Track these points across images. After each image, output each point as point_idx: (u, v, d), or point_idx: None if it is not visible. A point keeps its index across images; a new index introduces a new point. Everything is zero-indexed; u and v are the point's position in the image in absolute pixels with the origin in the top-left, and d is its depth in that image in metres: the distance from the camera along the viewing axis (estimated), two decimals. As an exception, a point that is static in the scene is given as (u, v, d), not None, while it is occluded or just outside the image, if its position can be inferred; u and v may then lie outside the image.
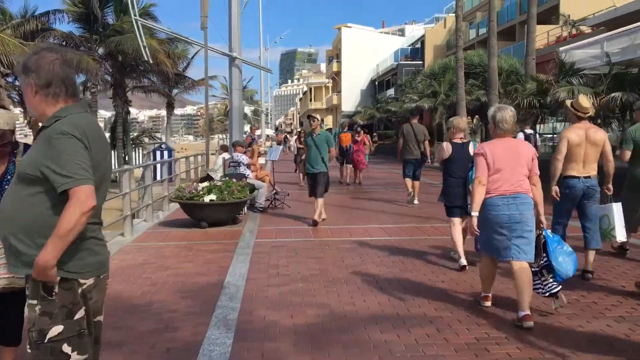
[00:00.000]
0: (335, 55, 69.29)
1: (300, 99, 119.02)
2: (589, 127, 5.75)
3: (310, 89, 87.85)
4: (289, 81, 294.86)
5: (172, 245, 8.05)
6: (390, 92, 49.00)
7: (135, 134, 34.44)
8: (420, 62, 48.48)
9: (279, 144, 36.24)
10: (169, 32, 19.04)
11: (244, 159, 11.39)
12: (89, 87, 24.56)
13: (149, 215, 10.23)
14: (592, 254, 5.87)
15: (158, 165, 15.79)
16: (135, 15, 16.81)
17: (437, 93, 29.06)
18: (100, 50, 25.84)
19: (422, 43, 51.97)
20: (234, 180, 9.95)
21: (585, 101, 5.79)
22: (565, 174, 5.77)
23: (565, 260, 4.57)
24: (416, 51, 54.05)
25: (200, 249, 7.68)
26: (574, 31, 28.60)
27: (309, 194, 9.90)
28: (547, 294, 4.64)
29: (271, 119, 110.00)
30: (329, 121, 78.11)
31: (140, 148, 32.60)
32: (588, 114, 5.74)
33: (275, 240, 8.28)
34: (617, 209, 5.94)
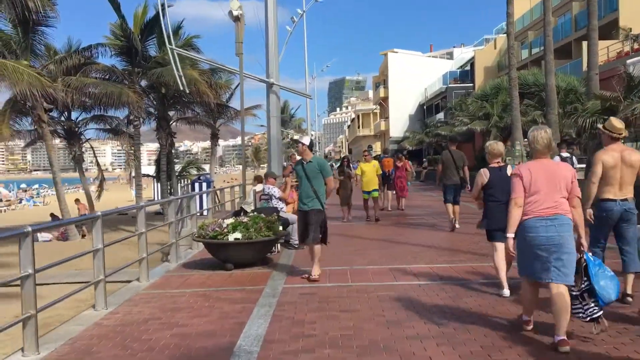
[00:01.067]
0: (382, 81, 68.42)
1: (349, 126, 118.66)
2: (623, 149, 5.68)
3: (358, 116, 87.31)
4: (337, 109, 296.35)
5: (189, 292, 7.06)
6: (440, 116, 47.55)
7: (182, 165, 34.23)
8: (471, 84, 46.91)
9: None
10: (205, 61, 18.55)
11: (276, 191, 10.39)
12: (132, 120, 24.35)
13: (173, 255, 9.33)
14: (631, 277, 5.76)
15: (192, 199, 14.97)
16: (170, 45, 16.30)
17: (490, 115, 27.55)
18: (143, 83, 25.72)
19: (472, 65, 50.42)
20: (263, 215, 8.93)
21: (618, 122, 5.75)
22: (602, 197, 5.68)
23: (607, 285, 4.53)
24: (466, 74, 52.46)
25: (219, 298, 6.65)
26: (636, 45, 26.63)
27: (299, 239, 8.07)
28: (588, 318, 4.56)
29: (320, 147, 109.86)
30: (377, 147, 77.14)
31: (186, 180, 32.35)
32: (622, 135, 5.69)
33: (306, 287, 7.17)
34: None
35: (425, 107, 57.81)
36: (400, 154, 17.37)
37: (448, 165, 12.03)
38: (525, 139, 22.88)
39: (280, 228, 9.82)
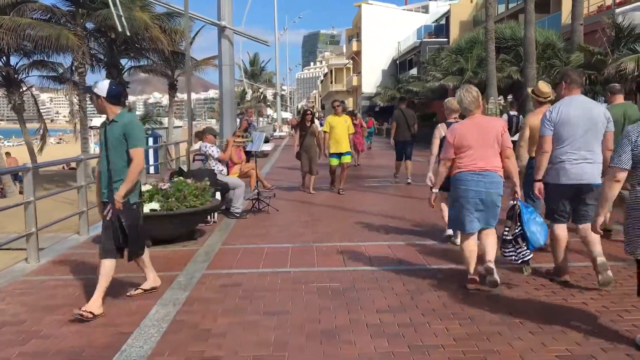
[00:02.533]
0: (355, 34, 66.12)
1: (322, 81, 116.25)
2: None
3: (331, 71, 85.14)
4: (312, 63, 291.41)
5: (79, 281, 5.56)
6: (413, 71, 45.85)
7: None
8: (445, 39, 45.17)
9: (292, 128, 33.53)
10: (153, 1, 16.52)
11: (214, 151, 8.82)
12: (77, 67, 22.17)
13: (83, 227, 7.77)
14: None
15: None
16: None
17: (464, 70, 26.04)
18: (90, 26, 23.42)
19: (447, 19, 48.61)
20: (193, 179, 7.40)
21: (545, 86, 5.79)
22: (532, 155, 5.70)
23: (537, 230, 4.78)
24: (441, 28, 50.65)
25: (114, 292, 5.18)
26: (619, -2, 25.24)
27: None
28: (520, 261, 4.86)
29: (294, 102, 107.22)
30: (350, 104, 75.32)
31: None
32: (549, 99, 5.70)
33: (232, 272, 5.74)
34: None
35: (398, 63, 56.05)
36: (354, 112, 18.56)
37: (400, 123, 12.71)
38: (500, 96, 21.61)
39: (218, 195, 8.37)
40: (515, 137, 6.96)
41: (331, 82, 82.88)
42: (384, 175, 14.50)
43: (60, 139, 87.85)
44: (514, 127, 12.20)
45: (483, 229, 4.88)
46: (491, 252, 4.82)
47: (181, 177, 7.25)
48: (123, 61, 27.10)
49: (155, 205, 6.59)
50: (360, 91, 62.20)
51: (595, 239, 4.70)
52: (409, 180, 12.34)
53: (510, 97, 19.80)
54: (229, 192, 8.79)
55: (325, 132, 11.34)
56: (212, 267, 5.97)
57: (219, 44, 14.93)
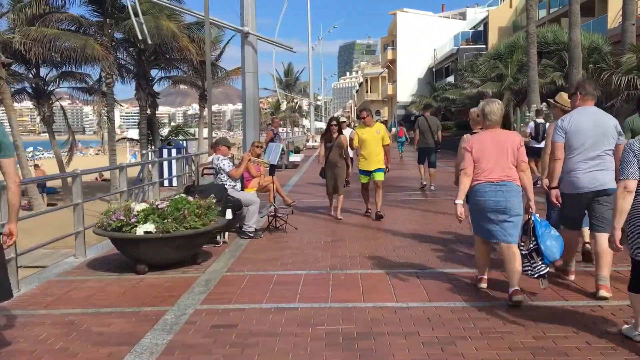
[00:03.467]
0: (390, 43, 65.20)
1: (357, 91, 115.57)
2: None
3: (367, 80, 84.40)
4: (347, 73, 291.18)
5: (50, 320, 4.78)
6: (450, 79, 44.56)
7: (167, 130, 31.85)
8: (484, 45, 43.75)
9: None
10: (165, 3, 15.95)
11: (226, 164, 8.03)
12: (105, 77, 21.90)
13: (80, 248, 7.06)
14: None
15: (151, 167, 12.69)
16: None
17: (504, 76, 24.80)
18: (118, 36, 23.17)
19: (485, 25, 47.20)
20: (196, 197, 6.61)
21: (567, 97, 5.84)
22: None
23: (552, 244, 4.77)
24: (479, 34, 49.18)
25: (88, 331, 4.39)
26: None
27: None
28: (536, 275, 4.82)
29: (329, 112, 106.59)
30: (385, 113, 74.16)
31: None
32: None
33: (230, 308, 4.89)
34: None
35: (434, 71, 54.77)
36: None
37: (424, 131, 12.92)
38: (543, 103, 20.39)
39: (229, 213, 7.57)
40: (542, 145, 7.43)
41: (366, 92, 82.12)
42: (415, 188, 13.50)
43: (99, 150, 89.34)
44: (540, 134, 12.34)
45: (504, 242, 4.85)
46: (516, 275, 4.78)
47: (182, 194, 6.44)
48: (154, 72, 26.90)
49: (150, 226, 5.81)
50: (395, 100, 61.10)
51: (605, 253, 4.75)
52: (433, 188, 12.74)
53: (534, 105, 18.49)
54: (242, 209, 7.97)
55: (354, 147, 9.55)
56: (208, 300, 5.13)
57: (242, 50, 14.21)
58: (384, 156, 9.37)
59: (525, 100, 20.39)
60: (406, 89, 57.10)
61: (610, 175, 4.91)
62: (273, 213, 8.59)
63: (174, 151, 17.63)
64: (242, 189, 9.01)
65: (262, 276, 5.94)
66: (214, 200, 6.64)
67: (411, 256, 6.68)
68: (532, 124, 13.13)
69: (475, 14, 58.45)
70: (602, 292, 4.75)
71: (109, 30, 21.70)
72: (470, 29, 52.90)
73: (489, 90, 24.64)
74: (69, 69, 22.57)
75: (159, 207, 6.02)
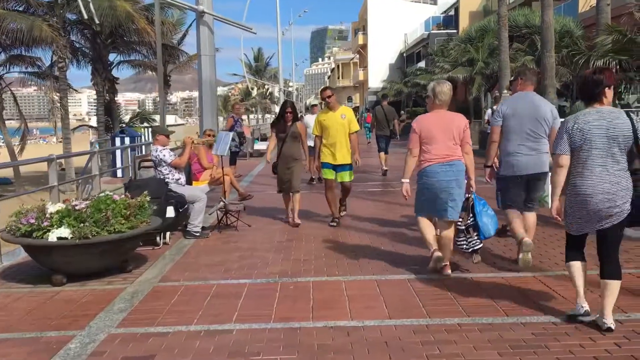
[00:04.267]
0: (361, 27, 64.25)
1: (329, 77, 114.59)
2: None
3: (338, 66, 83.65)
4: (320, 59, 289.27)
5: None
6: (421, 65, 43.91)
7: (128, 117, 30.57)
8: (455, 30, 43.22)
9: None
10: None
11: (167, 154, 7.15)
12: (56, 61, 20.61)
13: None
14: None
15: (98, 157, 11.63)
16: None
17: (475, 61, 24.22)
18: (72, 17, 21.84)
19: (456, 10, 46.65)
20: (129, 194, 5.74)
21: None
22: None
23: (488, 222, 5.17)
24: (450, 19, 48.68)
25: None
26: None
27: None
28: (470, 249, 5.27)
29: (301, 98, 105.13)
30: (357, 99, 73.35)
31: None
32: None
33: (151, 332, 4.07)
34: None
35: (405, 56, 54.15)
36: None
37: (380, 120, 13.63)
38: (503, 90, 19.84)
39: (170, 211, 6.74)
40: None
41: (338, 78, 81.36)
42: (381, 179, 12.81)
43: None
44: None
45: (450, 219, 5.11)
46: (448, 252, 5.20)
47: (108, 192, 5.57)
48: (112, 56, 25.67)
49: (64, 231, 4.94)
50: (367, 86, 60.36)
51: (533, 225, 5.40)
52: (385, 168, 13.24)
53: (505, 90, 17.98)
54: (186, 206, 7.13)
55: (315, 135, 7.76)
56: (128, 321, 4.31)
57: (197, 31, 13.29)
58: (352, 147, 7.55)
59: (497, 85, 19.82)
60: (377, 74, 56.41)
61: (545, 158, 5.23)
62: (223, 209, 7.76)
63: (127, 140, 16.59)
64: (190, 182, 8.17)
65: (200, 287, 5.13)
66: (148, 198, 5.79)
67: (373, 258, 5.95)
68: (489, 111, 13.58)
69: (446, -1, 57.99)
70: (527, 240, 5.13)
71: (61, 11, 20.38)
72: (441, 13, 52.34)
73: (459, 75, 24.08)
74: (19, 52, 21.20)
75: (77, 208, 5.14)
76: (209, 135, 9.26)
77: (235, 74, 69.65)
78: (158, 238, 6.67)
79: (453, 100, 5.75)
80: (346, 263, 5.81)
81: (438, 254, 5.09)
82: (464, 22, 42.67)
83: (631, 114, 3.91)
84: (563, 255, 4.12)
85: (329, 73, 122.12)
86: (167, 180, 7.09)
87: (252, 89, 78.50)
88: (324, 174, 7.68)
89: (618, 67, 10.92)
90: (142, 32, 21.45)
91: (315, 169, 8.10)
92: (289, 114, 7.81)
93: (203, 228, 7.44)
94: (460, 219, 5.17)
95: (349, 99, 76.79)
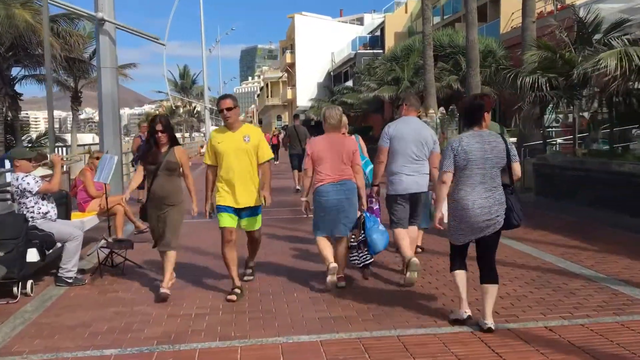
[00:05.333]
0: (289, 46, 63.80)
1: (258, 96, 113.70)
2: None
3: (267, 84, 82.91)
4: (250, 78, 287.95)
5: None
6: (349, 84, 43.74)
7: (35, 135, 28.20)
8: (381, 50, 43.39)
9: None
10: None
11: (32, 183, 5.83)
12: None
13: None
14: (421, 233, 6.51)
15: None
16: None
17: (400, 79, 23.85)
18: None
19: (382, 30, 47.06)
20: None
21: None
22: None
23: (378, 238, 5.46)
24: (376, 39, 49.07)
25: None
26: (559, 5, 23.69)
27: None
28: (362, 264, 5.63)
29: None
30: (285, 118, 72.61)
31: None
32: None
33: None
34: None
35: (333, 75, 54.01)
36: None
37: (293, 138, 14.24)
38: (441, 108, 19.51)
39: (33, 255, 5.42)
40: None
41: (267, 96, 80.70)
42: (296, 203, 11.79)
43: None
44: None
45: (344, 235, 5.41)
46: (343, 264, 5.48)
47: None
48: (16, 70, 23.61)
49: None
50: (295, 105, 59.72)
51: (414, 238, 5.81)
52: (298, 187, 13.13)
53: (431, 110, 17.66)
54: (53, 247, 5.81)
55: (208, 165, 5.46)
56: None
57: (97, 41, 11.94)
58: (262, 182, 5.39)
59: (423, 104, 19.42)
60: (306, 93, 55.96)
61: (426, 179, 5.61)
62: (105, 246, 6.45)
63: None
64: (69, 216, 6.84)
65: (47, 363, 3.88)
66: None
67: (280, 311, 4.88)
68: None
69: (372, 20, 58.44)
70: (414, 260, 5.39)
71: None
72: (368, 33, 52.69)
73: (385, 94, 23.63)
74: None
75: None
76: (98, 159, 7.95)
77: (160, 91, 67.23)
78: (15, 288, 5.32)
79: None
80: (248, 318, 4.71)
81: (334, 264, 5.27)
82: (389, 42, 42.93)
83: (505, 137, 4.35)
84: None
85: (259, 92, 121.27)
86: (31, 215, 5.76)
87: (177, 107, 76.29)
88: (220, 222, 5.27)
89: (548, 85, 10.46)
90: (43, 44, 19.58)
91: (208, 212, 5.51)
92: (160, 136, 5.42)
93: (81, 271, 6.15)
94: (353, 236, 5.48)
95: (279, 118, 76.01)
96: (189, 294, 5.50)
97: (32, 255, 5.49)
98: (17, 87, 24.26)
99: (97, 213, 7.81)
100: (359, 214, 5.42)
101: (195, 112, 79.51)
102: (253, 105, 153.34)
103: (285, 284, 5.73)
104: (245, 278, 5.83)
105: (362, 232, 5.45)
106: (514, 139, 13.63)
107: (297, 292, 5.43)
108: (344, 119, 5.90)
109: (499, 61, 21.73)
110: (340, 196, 5.24)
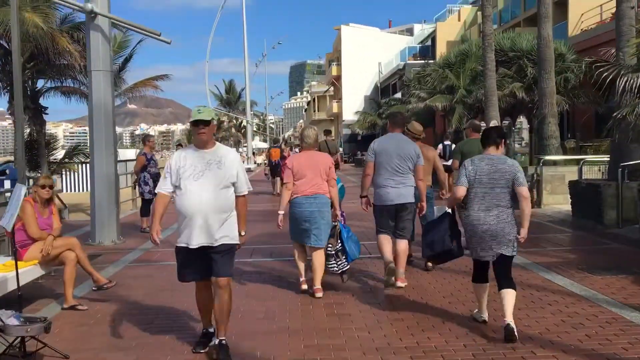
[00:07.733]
0: (335, 59, 61.86)
1: (306, 110, 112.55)
2: (422, 146, 6.66)
3: (314, 99, 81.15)
4: (298, 93, 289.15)
5: None
6: (397, 96, 41.21)
7: (63, 152, 26.77)
8: (432, 60, 40.69)
9: (267, 165, 25.97)
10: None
11: None
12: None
13: None
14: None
15: None
16: None
17: (455, 88, 21.16)
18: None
19: (433, 40, 44.42)
20: None
21: (418, 125, 6.95)
22: (428, 184, 6.79)
23: (353, 247, 5.98)
24: (426, 49, 46.31)
25: None
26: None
27: None
28: (340, 271, 5.94)
29: (280, 131, 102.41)
30: (334, 132, 70.54)
31: (69, 172, 25.41)
32: (422, 136, 6.87)
33: None
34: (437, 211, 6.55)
35: (380, 87, 51.52)
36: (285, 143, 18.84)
37: (323, 151, 14.92)
38: (505, 120, 16.72)
39: None
40: (449, 162, 9.88)
41: (315, 111, 78.91)
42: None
43: None
44: (447, 154, 14.06)
45: (315, 245, 5.80)
46: (319, 275, 5.85)
47: None
48: (41, 82, 22.17)
49: None
50: (341, 118, 57.56)
51: (402, 252, 6.01)
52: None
53: (494, 121, 14.89)
54: None
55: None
56: None
57: (87, 39, 9.95)
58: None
59: (483, 115, 16.69)
60: (352, 106, 53.81)
61: (410, 191, 5.98)
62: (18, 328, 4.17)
63: (7, 183, 12.99)
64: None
65: None
66: None
67: None
68: (440, 146, 15.13)
69: (422, 30, 55.78)
70: (399, 283, 5.89)
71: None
72: (418, 43, 50.14)
73: (437, 103, 20.99)
74: None
75: None
76: (44, 188, 5.77)
77: (204, 106, 66.30)
78: None
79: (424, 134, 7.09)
80: None
81: (303, 287, 5.85)
82: (441, 52, 40.26)
83: (514, 162, 4.72)
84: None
85: (306, 106, 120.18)
86: None
87: (222, 121, 75.51)
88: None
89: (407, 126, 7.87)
90: (62, 52, 17.94)
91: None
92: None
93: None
94: (330, 245, 5.85)
95: (328, 132, 74.14)
96: None
97: None
98: (42, 101, 22.92)
99: (39, 262, 5.62)
100: (334, 224, 5.90)
101: (241, 126, 78.74)
102: (301, 120, 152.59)
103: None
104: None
105: (339, 241, 5.87)
106: (606, 157, 10.83)
107: None
108: (418, 126, 6.87)
109: (568, 66, 18.83)
110: (312, 208, 5.69)
